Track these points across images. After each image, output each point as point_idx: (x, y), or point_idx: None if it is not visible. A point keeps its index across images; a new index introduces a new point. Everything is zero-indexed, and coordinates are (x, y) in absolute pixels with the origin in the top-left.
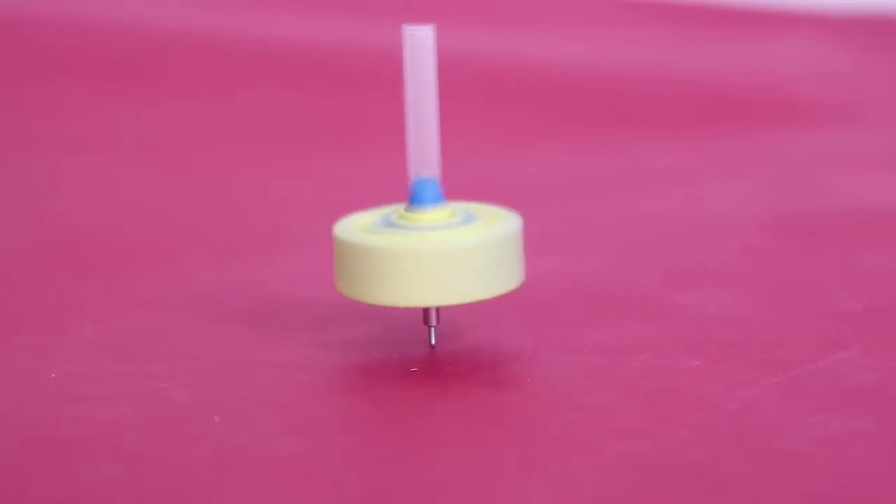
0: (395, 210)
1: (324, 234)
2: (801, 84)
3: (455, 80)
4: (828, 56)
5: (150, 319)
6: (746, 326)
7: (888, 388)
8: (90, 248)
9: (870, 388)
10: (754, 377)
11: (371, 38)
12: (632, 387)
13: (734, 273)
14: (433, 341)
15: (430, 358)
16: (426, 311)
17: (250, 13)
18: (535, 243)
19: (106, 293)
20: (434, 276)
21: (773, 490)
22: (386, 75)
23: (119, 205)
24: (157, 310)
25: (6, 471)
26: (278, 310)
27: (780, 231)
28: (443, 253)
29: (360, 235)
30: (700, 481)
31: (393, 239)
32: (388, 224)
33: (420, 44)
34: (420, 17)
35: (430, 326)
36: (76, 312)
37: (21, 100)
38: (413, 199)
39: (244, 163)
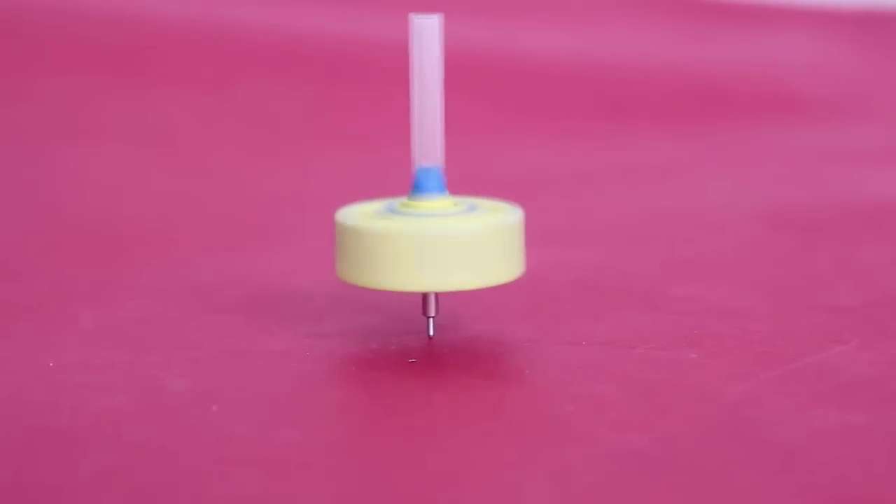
0: (397, 200)
1: (323, 226)
2: (800, 78)
3: (452, 73)
4: (826, 50)
5: (148, 308)
6: (744, 319)
7: (886, 381)
8: (89, 237)
9: (867, 382)
10: (752, 370)
11: (374, 29)
12: (629, 379)
13: (732, 266)
14: (431, 332)
15: (428, 349)
16: (425, 300)
17: (254, 3)
18: (533, 235)
19: (104, 282)
20: (435, 261)
21: (770, 482)
22: (389, 68)
23: (118, 194)
24: (156, 299)
25: (4, 459)
26: (277, 300)
27: (779, 224)
28: (444, 238)
29: (363, 220)
30: (697, 473)
31: (395, 224)
32: (391, 211)
33: (427, 33)
34: (419, 9)
35: (428, 317)
36: (74, 301)
37: (21, 90)
38: (416, 187)
39: (245, 153)
